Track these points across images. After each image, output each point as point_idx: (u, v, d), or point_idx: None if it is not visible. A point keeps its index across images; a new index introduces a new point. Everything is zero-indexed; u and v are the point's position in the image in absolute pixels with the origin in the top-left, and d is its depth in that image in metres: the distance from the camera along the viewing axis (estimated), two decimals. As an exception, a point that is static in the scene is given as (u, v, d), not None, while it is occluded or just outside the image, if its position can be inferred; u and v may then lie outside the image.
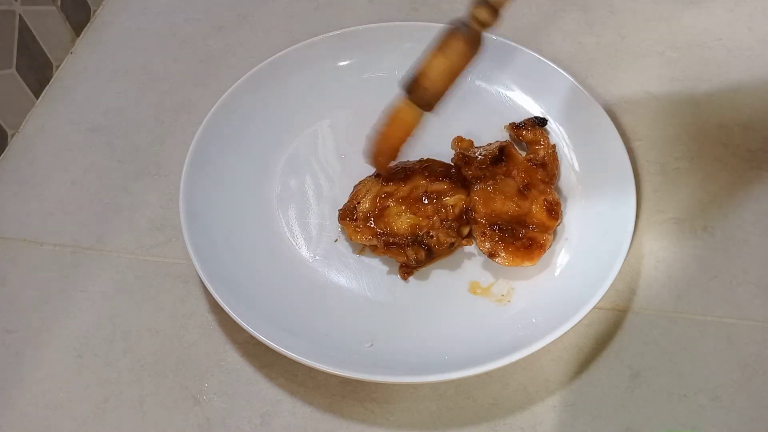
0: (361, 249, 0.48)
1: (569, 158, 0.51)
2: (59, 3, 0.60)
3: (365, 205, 0.47)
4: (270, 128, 0.53)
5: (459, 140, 0.51)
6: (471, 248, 0.47)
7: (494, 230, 0.44)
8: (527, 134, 0.51)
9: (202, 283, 0.44)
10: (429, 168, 0.48)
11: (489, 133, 0.52)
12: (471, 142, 0.51)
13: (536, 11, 0.63)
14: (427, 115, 0.43)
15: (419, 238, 0.45)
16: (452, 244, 0.46)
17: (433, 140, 0.52)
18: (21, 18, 0.55)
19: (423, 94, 0.42)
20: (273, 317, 0.43)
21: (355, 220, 0.46)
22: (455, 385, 0.42)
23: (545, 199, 0.46)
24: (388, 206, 0.46)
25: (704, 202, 0.50)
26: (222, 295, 0.42)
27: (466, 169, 0.47)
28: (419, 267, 0.46)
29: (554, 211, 0.46)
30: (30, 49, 0.57)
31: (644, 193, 0.50)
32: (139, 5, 0.66)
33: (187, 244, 0.44)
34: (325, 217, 0.49)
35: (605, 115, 0.50)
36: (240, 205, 0.49)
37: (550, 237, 0.46)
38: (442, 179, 0.47)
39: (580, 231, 0.47)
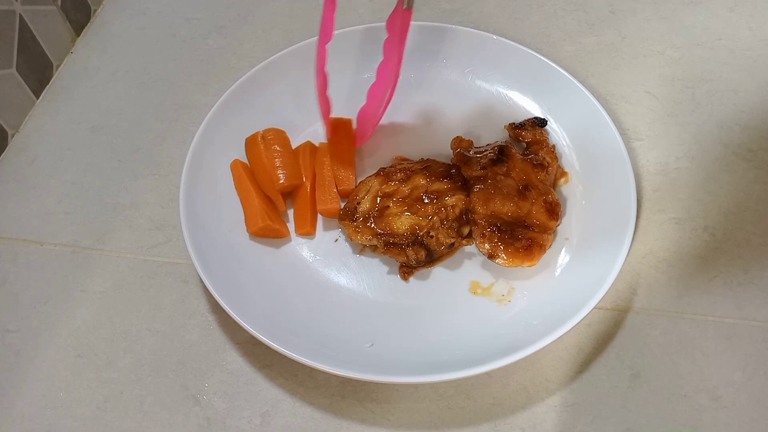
0: (361, 249, 0.47)
1: (569, 158, 0.51)
2: (59, 3, 0.60)
3: (365, 205, 0.47)
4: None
5: (459, 140, 0.51)
6: (471, 248, 0.47)
7: (494, 231, 0.44)
8: (527, 134, 0.51)
9: (202, 282, 0.44)
10: (429, 168, 0.48)
11: (489, 134, 0.52)
12: (471, 143, 0.51)
13: (537, 11, 0.63)
14: None
15: (419, 238, 0.45)
16: (452, 244, 0.46)
17: (433, 140, 0.52)
18: (21, 18, 0.55)
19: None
20: (273, 317, 0.43)
21: (356, 220, 0.46)
22: (455, 385, 0.42)
23: (545, 200, 0.46)
24: (388, 206, 0.46)
25: (705, 202, 0.50)
26: (222, 295, 0.42)
27: (465, 169, 0.47)
28: (419, 267, 0.46)
29: (554, 211, 0.46)
30: (30, 48, 0.57)
31: (644, 193, 0.50)
32: (140, 5, 0.66)
33: (187, 243, 0.44)
34: (325, 217, 0.49)
35: (605, 114, 0.50)
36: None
37: (550, 237, 0.46)
38: (442, 179, 0.47)
39: (581, 231, 0.47)
